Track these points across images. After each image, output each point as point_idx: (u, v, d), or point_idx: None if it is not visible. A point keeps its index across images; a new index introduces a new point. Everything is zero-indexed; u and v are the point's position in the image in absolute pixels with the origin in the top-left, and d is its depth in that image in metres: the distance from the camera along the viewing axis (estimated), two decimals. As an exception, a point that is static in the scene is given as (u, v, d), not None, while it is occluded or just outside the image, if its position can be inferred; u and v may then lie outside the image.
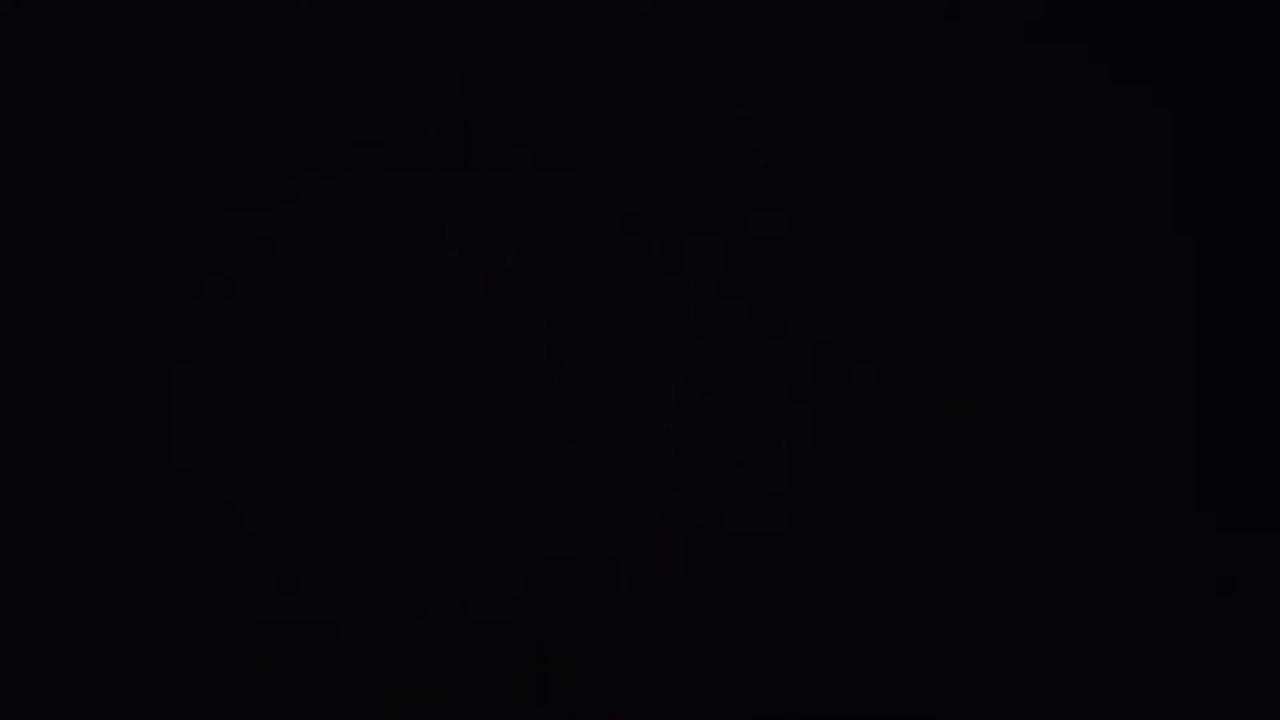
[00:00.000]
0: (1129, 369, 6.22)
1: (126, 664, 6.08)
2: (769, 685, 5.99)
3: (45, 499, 5.94)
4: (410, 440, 6.42)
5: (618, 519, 6.00)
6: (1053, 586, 5.78)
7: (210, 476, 5.99)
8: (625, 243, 6.21)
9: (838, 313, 6.13)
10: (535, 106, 6.04)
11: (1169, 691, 6.09)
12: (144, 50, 6.10)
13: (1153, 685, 6.06)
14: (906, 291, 6.00)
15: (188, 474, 6.08)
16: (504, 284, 6.28)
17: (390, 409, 6.42)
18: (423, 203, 6.24)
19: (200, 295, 5.88)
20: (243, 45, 6.14)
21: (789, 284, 6.12)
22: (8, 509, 5.81)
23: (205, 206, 6.13)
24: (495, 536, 5.98)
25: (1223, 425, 6.17)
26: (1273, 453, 5.94)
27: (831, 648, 6.12)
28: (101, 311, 6.20)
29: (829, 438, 6.20)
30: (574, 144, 6.17)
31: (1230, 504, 6.00)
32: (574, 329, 6.27)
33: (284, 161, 6.30)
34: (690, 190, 6.07)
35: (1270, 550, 5.54)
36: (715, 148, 6.23)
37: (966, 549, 6.18)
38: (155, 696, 6.25)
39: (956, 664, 5.95)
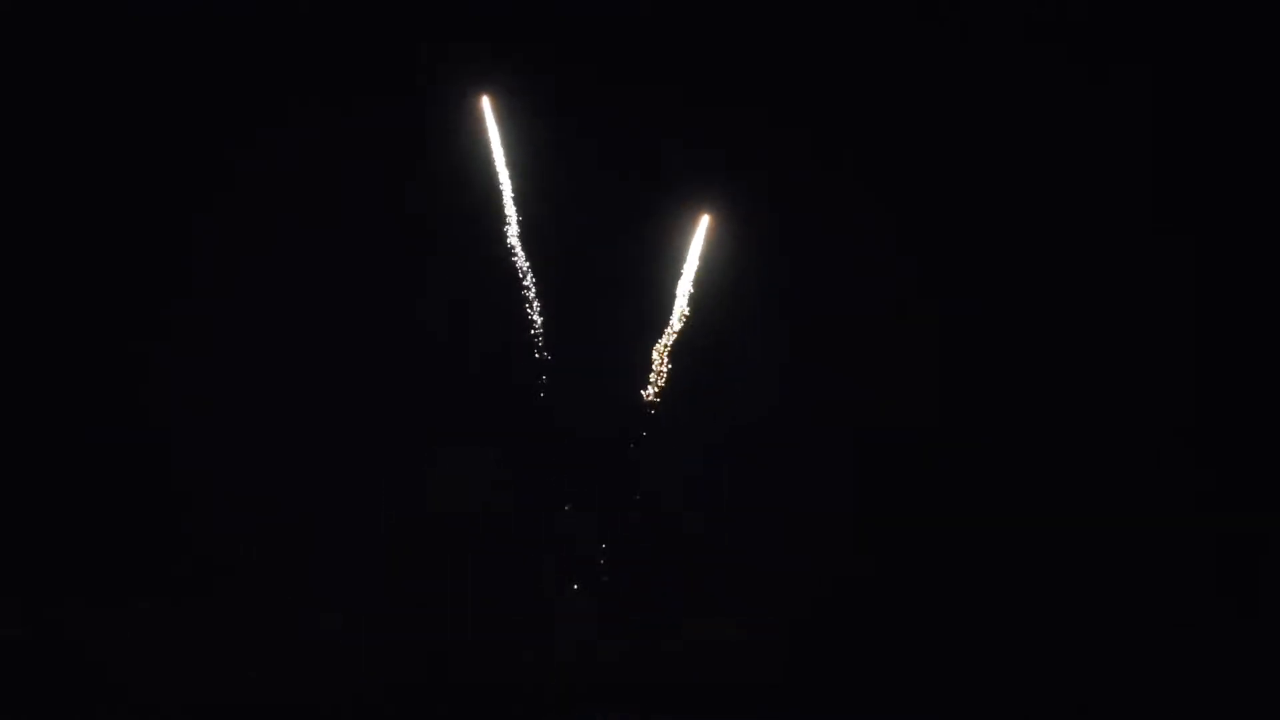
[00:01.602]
0: (1128, 369, 6.31)
1: (129, 656, 6.14)
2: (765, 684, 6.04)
3: (46, 495, 6.00)
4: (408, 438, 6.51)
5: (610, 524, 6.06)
6: (1046, 583, 5.82)
7: (210, 475, 6.05)
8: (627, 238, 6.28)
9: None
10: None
11: (1166, 690, 6.15)
12: (143, 54, 6.17)
13: (1150, 684, 6.13)
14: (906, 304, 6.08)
15: (187, 473, 6.13)
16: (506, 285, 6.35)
17: (389, 409, 6.51)
18: (423, 204, 6.30)
19: (198, 295, 5.93)
20: (242, 49, 6.21)
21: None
22: (8, 506, 5.86)
23: (205, 207, 6.20)
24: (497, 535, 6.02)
25: (1223, 426, 6.26)
26: (1272, 452, 6.02)
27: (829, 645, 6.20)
28: (101, 311, 6.28)
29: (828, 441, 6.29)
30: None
31: (1229, 504, 6.05)
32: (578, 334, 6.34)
33: (285, 162, 6.37)
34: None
35: (1270, 550, 5.58)
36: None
37: (964, 550, 6.27)
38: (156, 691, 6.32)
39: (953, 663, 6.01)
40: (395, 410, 44.47)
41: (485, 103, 38.83)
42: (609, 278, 40.56)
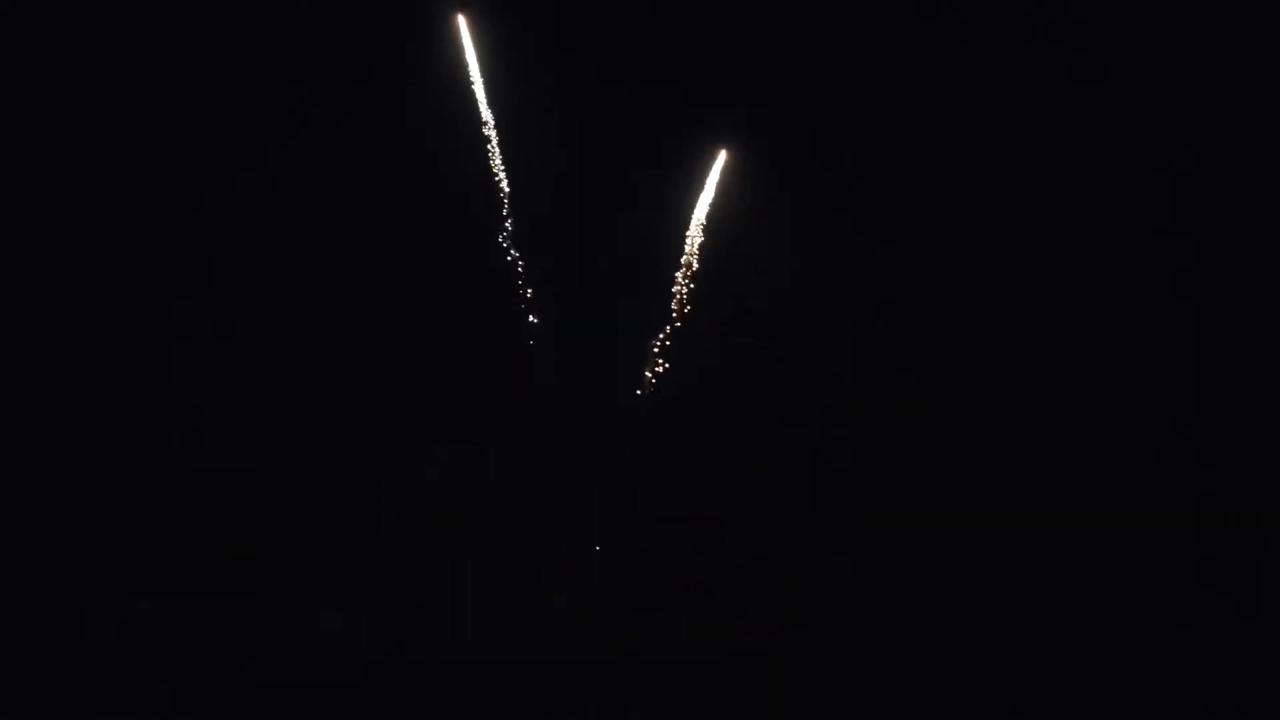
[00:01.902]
0: (1127, 368, 6.31)
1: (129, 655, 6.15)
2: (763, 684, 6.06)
3: (46, 495, 6.01)
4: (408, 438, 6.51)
5: (619, 526, 6.08)
6: (1041, 584, 5.83)
7: (210, 475, 6.06)
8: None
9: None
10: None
11: (1163, 690, 6.16)
12: (143, 54, 6.18)
13: (1145, 684, 6.13)
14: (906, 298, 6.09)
15: (188, 474, 6.14)
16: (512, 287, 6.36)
17: (391, 410, 6.52)
18: (423, 206, 6.31)
19: (198, 295, 5.95)
20: (242, 53, 6.22)
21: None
22: (9, 506, 5.87)
23: (207, 210, 6.21)
24: (500, 538, 6.05)
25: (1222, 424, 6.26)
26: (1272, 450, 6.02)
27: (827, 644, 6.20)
28: (101, 311, 6.29)
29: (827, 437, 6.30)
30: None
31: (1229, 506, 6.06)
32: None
33: (288, 163, 6.38)
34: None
35: (1270, 551, 5.58)
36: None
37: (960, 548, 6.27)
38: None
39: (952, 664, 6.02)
40: (395, 410, 44.50)
41: (461, 23, 34.51)
42: (608, 273, 41.07)
